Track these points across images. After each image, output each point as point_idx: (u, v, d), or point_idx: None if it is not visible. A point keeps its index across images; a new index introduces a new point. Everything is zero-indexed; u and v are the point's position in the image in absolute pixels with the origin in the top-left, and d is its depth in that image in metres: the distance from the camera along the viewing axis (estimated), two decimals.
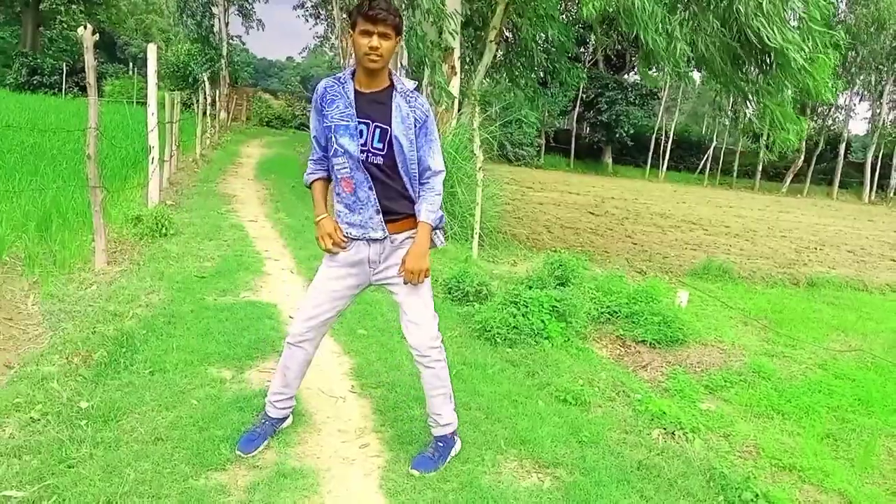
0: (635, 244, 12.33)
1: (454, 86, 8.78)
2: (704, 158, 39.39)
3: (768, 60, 8.48)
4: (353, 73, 2.71)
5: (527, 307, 5.09)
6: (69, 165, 9.12)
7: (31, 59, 34.36)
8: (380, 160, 2.69)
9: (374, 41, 2.56)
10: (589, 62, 36.64)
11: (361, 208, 2.76)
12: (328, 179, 2.88)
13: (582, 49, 35.56)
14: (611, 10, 7.85)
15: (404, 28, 9.55)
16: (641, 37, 8.07)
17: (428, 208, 2.79)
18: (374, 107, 2.67)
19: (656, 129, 38.58)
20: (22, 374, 3.59)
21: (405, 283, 2.82)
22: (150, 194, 8.43)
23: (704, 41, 8.38)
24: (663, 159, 38.31)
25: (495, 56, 9.41)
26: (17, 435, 2.94)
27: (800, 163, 37.56)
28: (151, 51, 8.29)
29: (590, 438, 3.51)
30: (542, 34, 9.30)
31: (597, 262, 9.43)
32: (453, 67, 8.75)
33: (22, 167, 8.73)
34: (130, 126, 13.02)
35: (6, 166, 8.57)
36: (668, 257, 11.17)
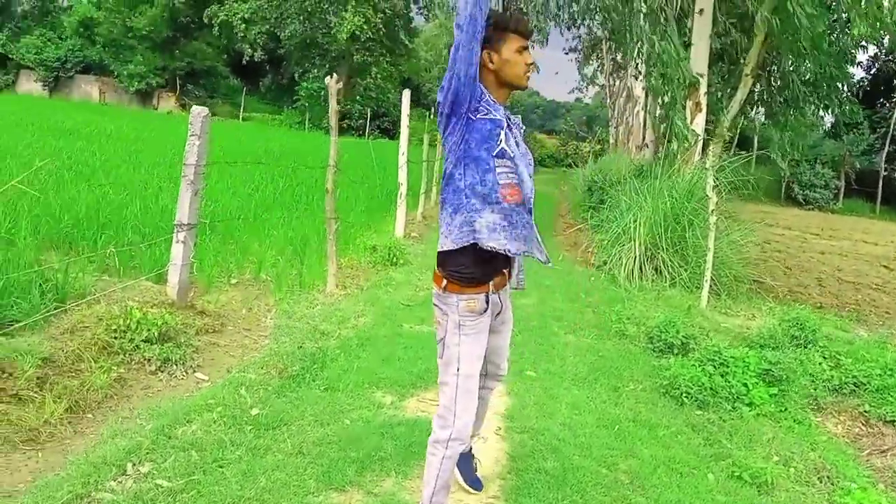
0: None
1: (698, 123, 8.21)
2: None
3: None
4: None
5: (727, 367, 4.57)
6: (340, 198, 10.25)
7: (341, 105, 39.18)
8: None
9: (529, 57, 2.30)
10: None
11: (524, 225, 2.35)
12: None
13: None
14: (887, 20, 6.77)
15: (647, 64, 9.24)
16: None
17: None
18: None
19: None
20: (230, 379, 4.13)
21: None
22: (396, 226, 9.20)
23: None
24: None
25: (751, 91, 8.64)
26: (197, 432, 3.38)
27: None
28: (405, 95, 9.09)
29: None
30: (807, 66, 8.32)
31: (867, 324, 8.10)
32: (698, 104, 8.22)
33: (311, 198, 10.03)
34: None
35: (284, 202, 9.93)
36: None
